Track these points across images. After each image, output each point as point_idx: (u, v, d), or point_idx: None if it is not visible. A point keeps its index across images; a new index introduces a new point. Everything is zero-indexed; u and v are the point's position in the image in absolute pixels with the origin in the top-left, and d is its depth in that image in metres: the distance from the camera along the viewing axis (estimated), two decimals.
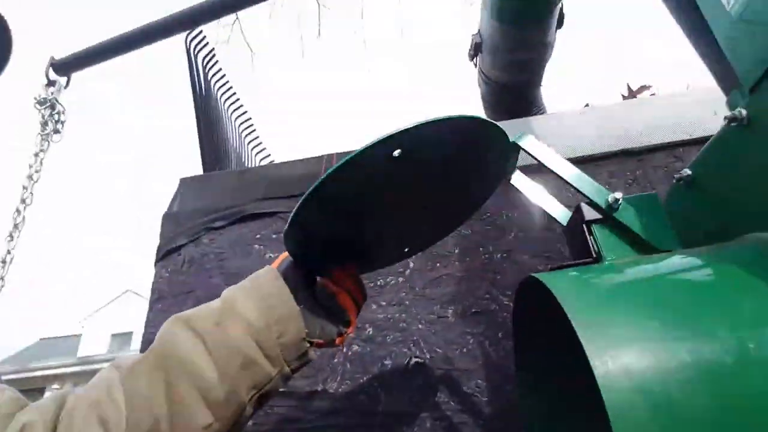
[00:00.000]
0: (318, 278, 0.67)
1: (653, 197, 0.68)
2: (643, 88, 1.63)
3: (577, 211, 0.69)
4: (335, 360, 1.02)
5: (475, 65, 1.96)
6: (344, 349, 1.04)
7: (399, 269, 1.14)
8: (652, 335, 0.46)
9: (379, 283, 1.13)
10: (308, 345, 0.57)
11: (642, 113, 1.20)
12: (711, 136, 0.65)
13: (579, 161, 1.16)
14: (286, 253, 0.65)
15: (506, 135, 0.68)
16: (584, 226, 0.67)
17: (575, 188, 0.69)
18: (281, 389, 0.62)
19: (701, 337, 0.45)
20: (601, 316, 0.48)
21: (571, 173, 0.71)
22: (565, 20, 1.76)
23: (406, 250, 0.83)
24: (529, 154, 0.73)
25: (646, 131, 1.17)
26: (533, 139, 0.73)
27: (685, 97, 1.20)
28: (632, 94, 1.64)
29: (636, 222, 0.65)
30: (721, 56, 0.62)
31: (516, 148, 0.75)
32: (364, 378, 0.99)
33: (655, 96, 1.27)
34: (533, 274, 0.56)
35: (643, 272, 0.56)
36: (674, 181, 0.70)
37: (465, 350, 0.98)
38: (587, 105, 1.33)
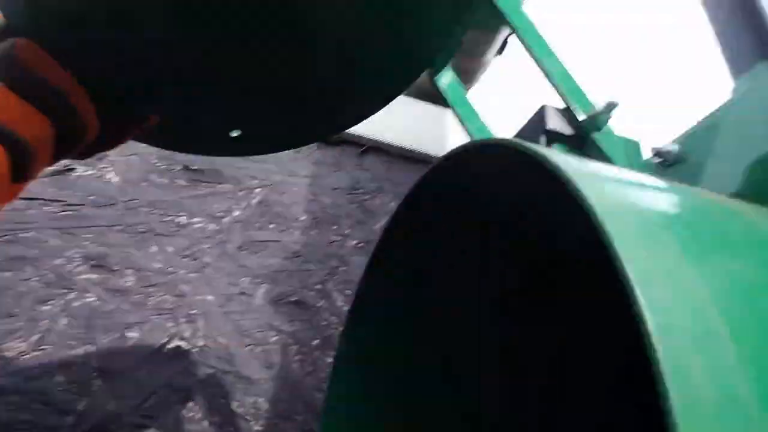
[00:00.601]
0: None
1: (637, 144, 0.47)
2: None
3: (537, 117, 0.46)
4: (48, 307, 0.64)
5: None
6: (72, 296, 0.65)
7: (217, 212, 0.79)
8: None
9: (178, 221, 0.77)
10: None
11: None
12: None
13: None
14: None
15: None
16: (544, 135, 0.44)
17: (551, 80, 0.45)
18: None
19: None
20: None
21: (556, 67, 0.46)
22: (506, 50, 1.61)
23: (235, 134, 0.49)
24: (504, 15, 0.47)
25: None
26: None
27: None
28: None
29: (620, 155, 0.42)
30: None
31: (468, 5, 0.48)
32: (85, 346, 0.62)
33: None
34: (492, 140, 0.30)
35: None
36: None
37: (259, 350, 0.67)
38: None
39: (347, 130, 0.99)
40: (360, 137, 0.97)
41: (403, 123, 0.99)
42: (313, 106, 0.50)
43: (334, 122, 0.55)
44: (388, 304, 0.45)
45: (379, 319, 0.44)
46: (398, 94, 0.54)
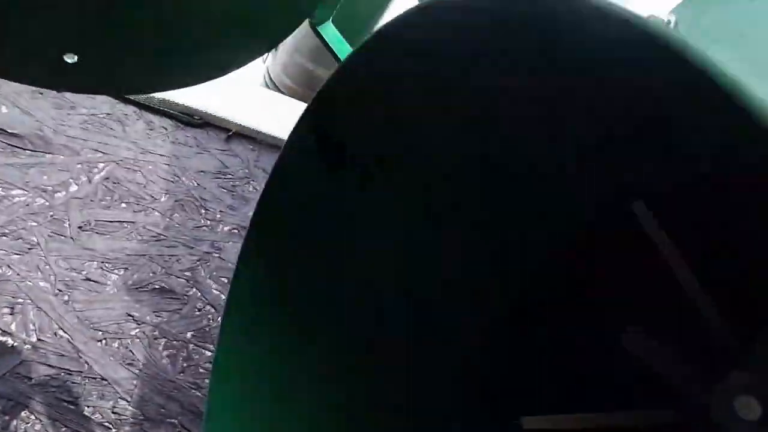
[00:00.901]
0: None
1: None
2: None
3: None
4: None
5: (264, 61, 1.64)
6: None
7: (47, 186, 0.64)
8: None
9: None
10: None
11: None
12: None
13: None
14: None
15: None
16: None
17: None
18: None
19: None
20: None
21: None
22: None
23: (71, 60, 0.39)
24: None
25: None
26: None
27: None
28: None
29: None
30: None
31: None
32: None
33: None
34: None
35: None
36: None
37: (116, 345, 0.54)
38: None
39: (213, 113, 0.91)
40: (226, 121, 0.89)
41: (273, 114, 0.95)
42: (164, 44, 0.44)
43: (200, 69, 0.49)
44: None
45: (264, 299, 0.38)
46: (276, 44, 0.52)
